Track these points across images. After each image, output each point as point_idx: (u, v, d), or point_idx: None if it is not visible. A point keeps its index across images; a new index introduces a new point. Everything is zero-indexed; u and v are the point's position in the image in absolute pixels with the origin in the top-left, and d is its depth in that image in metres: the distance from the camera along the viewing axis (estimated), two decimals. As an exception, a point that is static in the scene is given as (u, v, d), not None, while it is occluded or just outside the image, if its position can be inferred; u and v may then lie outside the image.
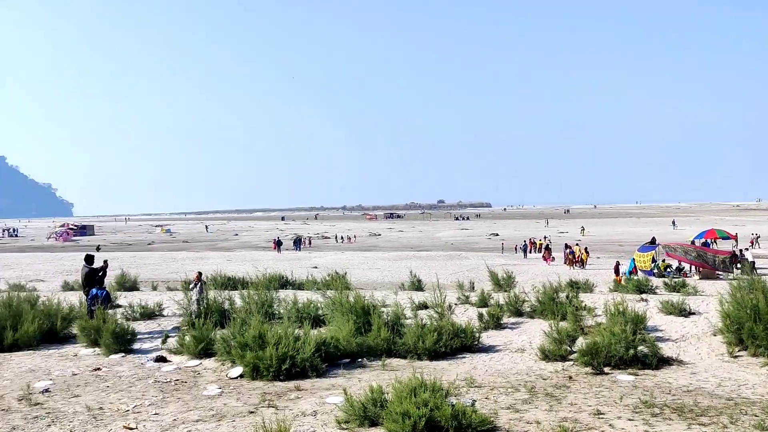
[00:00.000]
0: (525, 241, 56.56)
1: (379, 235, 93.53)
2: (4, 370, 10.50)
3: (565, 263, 40.13)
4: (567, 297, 14.05)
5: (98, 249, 67.61)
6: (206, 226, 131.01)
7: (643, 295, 16.43)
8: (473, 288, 20.73)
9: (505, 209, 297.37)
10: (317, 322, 13.21)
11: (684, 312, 13.39)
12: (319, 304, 13.72)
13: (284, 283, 21.41)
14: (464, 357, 11.25)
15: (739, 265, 32.59)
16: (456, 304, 15.96)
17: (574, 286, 18.48)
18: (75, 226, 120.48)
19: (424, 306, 14.92)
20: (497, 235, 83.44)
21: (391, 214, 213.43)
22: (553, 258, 43.14)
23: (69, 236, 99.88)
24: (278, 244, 62.10)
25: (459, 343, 11.49)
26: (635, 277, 23.39)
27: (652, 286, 18.88)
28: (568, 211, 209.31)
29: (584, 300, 14.92)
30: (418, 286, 21.46)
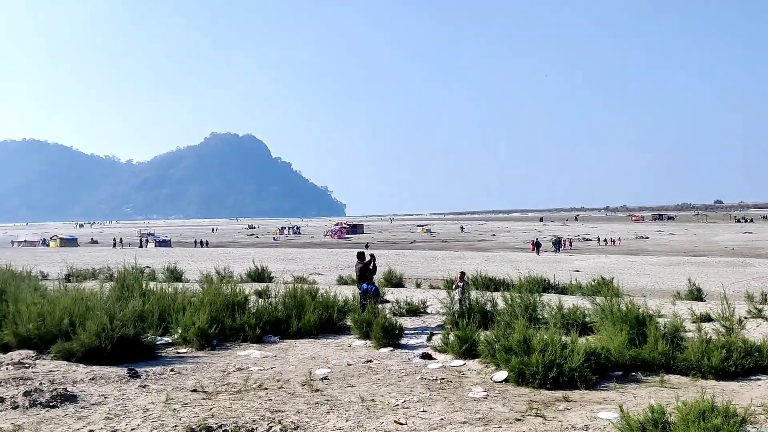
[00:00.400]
0: None
1: (647, 237, 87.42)
2: (290, 356, 11.49)
3: None
4: None
5: (366, 246, 72.67)
6: (462, 227, 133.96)
7: None
8: (766, 300, 18.15)
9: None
10: (584, 330, 12.47)
11: None
12: (585, 311, 12.95)
13: (546, 287, 20.78)
14: (759, 379, 9.75)
15: None
16: (746, 318, 14.04)
17: None
18: (347, 225, 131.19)
19: (706, 318, 13.36)
20: (790, 239, 73.25)
21: (660, 215, 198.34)
22: None
23: (342, 234, 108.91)
24: (537, 245, 61.05)
25: (752, 363, 9.99)
26: None
27: None
28: None
29: None
30: (697, 295, 19.40)
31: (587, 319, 12.66)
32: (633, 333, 10.88)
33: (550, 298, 14.89)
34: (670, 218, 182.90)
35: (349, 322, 13.98)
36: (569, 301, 14.83)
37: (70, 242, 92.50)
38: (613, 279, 20.48)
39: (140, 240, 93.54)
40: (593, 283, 19.56)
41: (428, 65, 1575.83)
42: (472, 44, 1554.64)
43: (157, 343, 12.36)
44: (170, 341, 12.66)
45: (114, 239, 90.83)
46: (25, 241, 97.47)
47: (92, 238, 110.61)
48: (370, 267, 15.46)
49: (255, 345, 12.46)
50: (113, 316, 10.69)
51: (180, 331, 12.58)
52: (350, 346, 12.56)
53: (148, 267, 33.47)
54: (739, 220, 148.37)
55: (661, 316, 13.34)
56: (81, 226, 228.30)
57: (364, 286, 15.19)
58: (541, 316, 13.34)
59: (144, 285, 15.31)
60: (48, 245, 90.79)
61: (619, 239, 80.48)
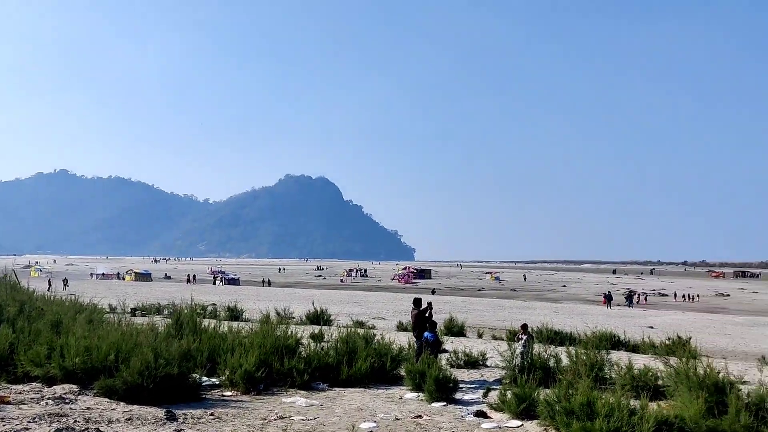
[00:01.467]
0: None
1: (728, 295, 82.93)
2: (336, 406, 10.92)
3: None
4: None
5: (433, 292, 71.66)
6: (524, 275, 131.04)
7: None
8: None
9: None
10: (656, 394, 11.41)
11: None
12: (658, 373, 11.89)
13: (615, 344, 19.53)
14: None
15: None
16: None
17: None
18: (415, 269, 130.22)
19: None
20: None
21: (743, 272, 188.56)
22: None
23: (409, 279, 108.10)
24: (608, 298, 58.64)
25: None
26: None
27: None
28: None
29: None
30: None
31: (660, 382, 11.60)
32: (711, 401, 9.82)
33: (620, 357, 13.86)
34: (753, 276, 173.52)
35: (403, 372, 13.33)
36: (640, 361, 13.72)
37: (144, 276, 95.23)
38: (690, 338, 19.05)
39: (213, 277, 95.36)
40: (668, 342, 18.22)
41: (503, 116, 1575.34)
42: (540, 91, 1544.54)
43: (204, 384, 12.05)
44: (217, 382, 12.32)
45: (188, 275, 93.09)
46: (102, 274, 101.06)
47: (166, 274, 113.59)
48: (426, 315, 14.78)
49: (302, 392, 11.97)
50: (158, 354, 10.44)
51: (227, 373, 12.24)
52: (401, 398, 11.90)
53: (213, 304, 33.76)
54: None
55: (745, 383, 12.15)
56: (156, 261, 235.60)
57: (426, 334, 14.53)
58: (608, 376, 12.35)
59: (198, 322, 15.14)
60: (123, 279, 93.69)
61: (698, 296, 76.64)
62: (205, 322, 16.05)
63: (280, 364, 12.45)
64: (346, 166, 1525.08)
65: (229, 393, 11.71)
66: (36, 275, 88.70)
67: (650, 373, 11.84)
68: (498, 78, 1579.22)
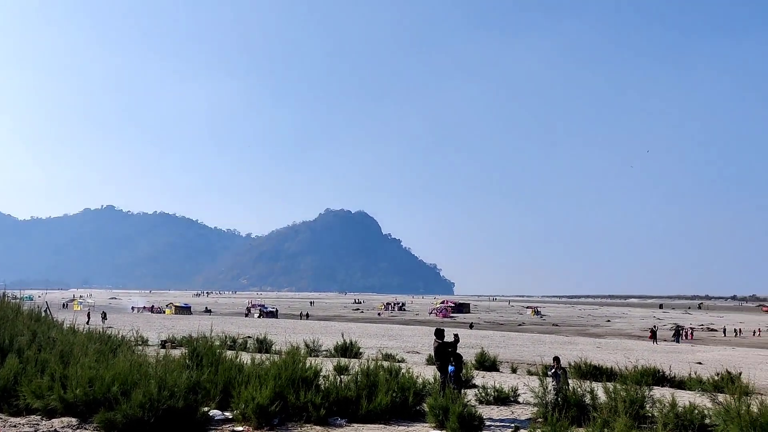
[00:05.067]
0: None
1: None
2: (351, 444, 10.17)
3: None
4: None
5: (471, 326, 70.26)
6: (537, 310, 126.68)
7: None
8: None
9: None
10: (703, 433, 10.37)
11: None
12: (705, 411, 10.82)
13: (660, 379, 18.28)
14: None
15: None
16: None
17: None
18: (453, 303, 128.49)
19: None
20: None
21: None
22: None
23: (447, 313, 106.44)
24: (654, 333, 56.45)
25: None
26: None
27: None
28: None
29: None
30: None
31: (707, 420, 10.54)
32: (766, 443, 8.80)
33: (663, 393, 12.78)
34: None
35: (426, 408, 12.49)
36: (686, 398, 12.66)
37: (183, 310, 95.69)
38: (740, 374, 17.73)
39: (247, 309, 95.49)
40: (716, 378, 16.95)
41: (541, 150, 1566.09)
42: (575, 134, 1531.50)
43: (216, 418, 11.44)
44: (230, 416, 11.69)
45: (247, 308, 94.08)
46: (143, 307, 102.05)
47: (206, 308, 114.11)
48: (449, 348, 13.92)
49: (318, 428, 11.25)
50: (163, 385, 9.87)
51: (241, 406, 11.60)
52: (425, 436, 11.09)
53: (248, 337, 33.32)
54: None
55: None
56: (198, 295, 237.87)
57: (451, 368, 13.70)
58: (649, 414, 11.31)
59: (219, 353, 14.58)
60: (163, 312, 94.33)
61: (759, 330, 73.58)
62: (228, 353, 15.47)
63: (295, 397, 11.75)
64: (385, 200, 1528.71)
65: (240, 429, 11.06)
66: (78, 308, 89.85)
67: (696, 411, 10.78)
68: (538, 113, 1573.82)
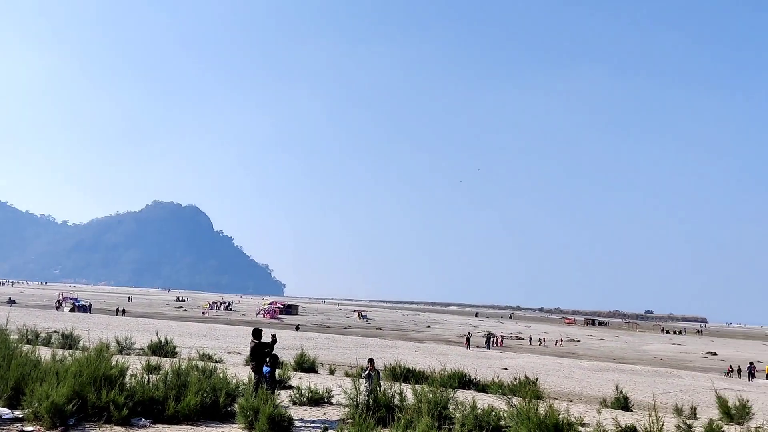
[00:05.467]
0: (751, 363, 49.01)
1: (578, 341, 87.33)
2: (154, 444, 9.73)
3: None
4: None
5: (297, 328, 70.18)
6: (362, 314, 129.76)
7: None
8: (695, 414, 17.16)
9: (729, 324, 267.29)
10: (497, 434, 11.10)
11: None
12: (502, 413, 11.61)
13: (466, 382, 19.38)
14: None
15: None
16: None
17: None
18: (282, 304, 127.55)
19: (632, 430, 12.17)
20: (715, 354, 74.08)
21: (593, 320, 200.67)
22: None
23: (275, 314, 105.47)
24: (468, 340, 59.80)
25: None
26: None
27: None
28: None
29: None
30: (624, 404, 18.27)
31: (502, 422, 11.31)
32: (550, 442, 9.61)
33: (467, 396, 13.54)
34: (602, 324, 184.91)
35: (237, 409, 12.25)
36: (487, 400, 13.48)
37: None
38: (537, 379, 19.25)
39: (57, 303, 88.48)
40: (515, 383, 18.27)
41: (370, 154, 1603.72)
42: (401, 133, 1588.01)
43: (4, 417, 10.47)
44: (20, 415, 10.74)
45: (57, 301, 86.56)
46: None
47: (10, 298, 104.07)
48: (266, 350, 13.79)
49: (119, 428, 10.65)
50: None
51: (34, 405, 10.69)
52: (231, 436, 10.86)
53: (55, 331, 30.89)
54: (667, 332, 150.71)
55: (584, 425, 12.15)
56: (1, 284, 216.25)
57: (267, 369, 13.54)
58: (452, 415, 11.92)
59: (11, 347, 13.34)
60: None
61: (561, 340, 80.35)
62: (26, 347, 14.19)
63: (96, 396, 11.03)
64: (219, 197, 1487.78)
65: (30, 429, 10.19)
66: None
67: (494, 413, 11.53)
68: (377, 119, 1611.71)
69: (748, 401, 16.71)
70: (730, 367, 51.53)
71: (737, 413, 16.03)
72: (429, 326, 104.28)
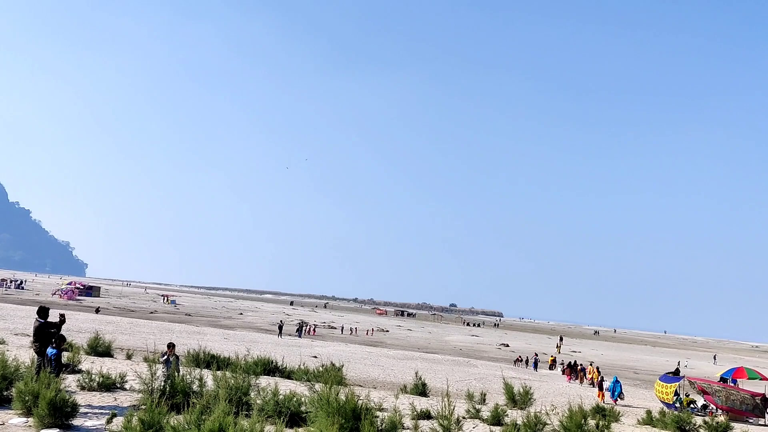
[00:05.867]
0: (536, 355, 53.78)
1: (387, 331, 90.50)
2: None
3: (567, 379, 38.96)
4: (597, 426, 11.78)
5: (97, 311, 65.71)
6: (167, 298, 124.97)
7: (685, 435, 14.06)
8: (484, 400, 18.37)
9: (521, 319, 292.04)
10: (298, 419, 11.05)
11: (741, 463, 11.05)
12: (303, 399, 11.57)
13: (272, 369, 19.16)
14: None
15: (769, 410, 29.94)
16: (464, 418, 13.69)
17: (601, 412, 16.08)
18: (82, 285, 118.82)
19: (426, 415, 12.71)
20: (507, 345, 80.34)
21: (402, 311, 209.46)
22: (577, 377, 41.26)
23: (74, 295, 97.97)
24: (280, 328, 59.60)
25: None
26: (668, 409, 20.85)
27: (694, 425, 16.39)
28: (597, 332, 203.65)
29: (616, 432, 12.61)
30: (422, 390, 19.11)
31: (303, 408, 11.27)
32: (348, 426, 9.70)
33: (270, 383, 13.34)
34: (410, 315, 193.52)
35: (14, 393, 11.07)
36: (291, 387, 13.39)
37: None
38: (343, 366, 19.55)
39: None
40: (321, 369, 18.40)
41: (192, 131, 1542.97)
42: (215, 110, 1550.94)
43: None
44: None
45: None
46: None
47: None
48: (52, 330, 12.64)
49: None
50: None
51: None
52: (3, 424, 9.77)
53: None
54: (468, 324, 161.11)
55: (382, 410, 12.47)
56: None
57: (49, 351, 12.36)
58: (253, 402, 11.67)
59: None
60: None
61: (373, 330, 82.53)
62: None
63: None
64: (19, 165, 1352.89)
65: None
66: None
67: (295, 399, 11.46)
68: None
69: (530, 388, 18.19)
70: (519, 357, 56.07)
71: (521, 399, 17.40)
72: (241, 313, 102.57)
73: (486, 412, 14.26)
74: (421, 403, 14.60)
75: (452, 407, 11.15)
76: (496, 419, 13.28)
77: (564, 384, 39.34)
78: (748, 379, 34.01)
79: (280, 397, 11.52)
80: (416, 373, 20.76)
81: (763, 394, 30.66)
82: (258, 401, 11.48)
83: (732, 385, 33.28)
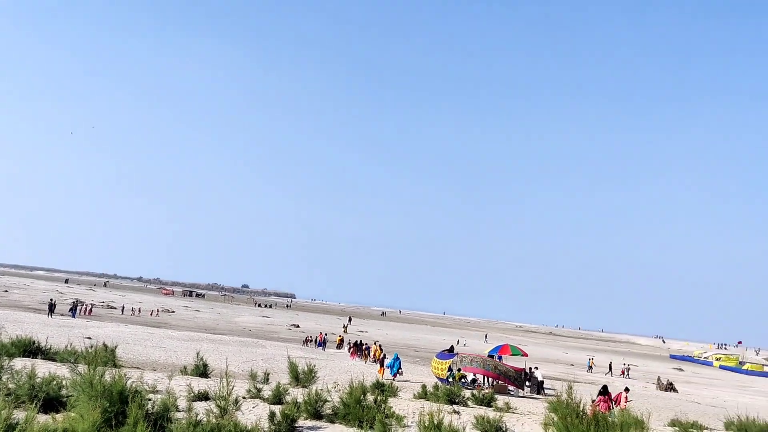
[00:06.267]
0: (325, 335, 54.91)
1: (173, 312, 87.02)
2: None
3: (352, 357, 40.78)
4: (375, 401, 12.09)
5: None
6: None
7: (455, 407, 14.99)
8: (268, 380, 18.17)
9: (313, 300, 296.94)
10: (56, 404, 10.01)
11: None
12: (65, 382, 10.51)
13: (33, 351, 17.30)
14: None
15: (528, 383, 33.34)
16: (245, 398, 13.38)
17: (380, 388, 16.66)
18: None
19: (204, 396, 12.21)
20: (298, 326, 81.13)
21: (191, 291, 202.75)
22: (362, 355, 42.83)
23: None
24: (51, 307, 54.57)
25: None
26: (442, 384, 22.24)
27: (463, 397, 17.59)
28: (384, 313, 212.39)
29: (393, 406, 13.08)
30: (202, 371, 18.40)
31: (63, 391, 10.23)
32: (113, 411, 8.94)
33: (28, 365, 11.98)
34: (200, 295, 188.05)
35: None
36: (54, 369, 12.14)
37: None
38: (116, 347, 18.24)
39: None
40: (90, 351, 16.97)
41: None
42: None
43: None
44: None
45: None
46: None
47: None
48: None
49: None
50: None
51: None
52: None
53: None
54: (259, 305, 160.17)
55: (157, 392, 11.77)
56: None
57: None
58: (3, 386, 10.37)
59: None
60: None
61: (158, 311, 78.30)
62: None
63: None
64: None
65: None
66: None
67: (54, 382, 10.38)
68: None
69: (315, 366, 18.36)
70: (308, 337, 56.82)
71: (304, 377, 17.47)
72: (6, 291, 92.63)
73: (268, 391, 14.07)
74: (200, 384, 14.04)
75: (232, 387, 10.80)
76: (277, 398, 13.14)
77: (349, 362, 40.55)
78: (512, 355, 37.62)
79: (38, 380, 10.36)
80: (197, 354, 19.94)
81: (523, 369, 34.04)
82: (11, 385, 10.22)
83: (498, 360, 36.56)
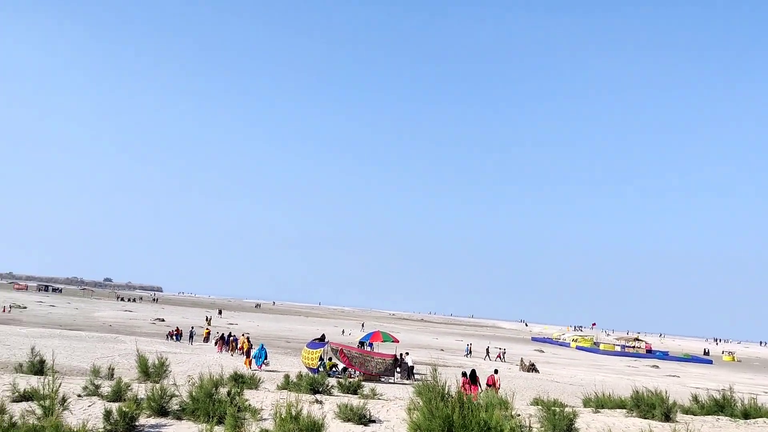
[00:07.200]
0: (192, 328, 52.60)
1: (26, 308, 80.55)
2: None
3: (219, 350, 40.76)
4: (229, 394, 11.07)
5: None
6: None
7: (318, 396, 14.21)
8: (112, 375, 16.54)
9: (181, 293, 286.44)
10: None
11: (364, 419, 11.35)
12: None
13: None
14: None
15: (399, 369, 33.34)
16: (80, 396, 11.91)
17: (239, 380, 15.59)
18: None
19: (29, 396, 10.68)
20: (163, 320, 77.56)
21: (47, 286, 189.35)
22: (229, 348, 41.34)
23: None
24: None
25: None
26: (310, 373, 21.49)
27: (328, 386, 16.85)
28: (258, 305, 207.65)
29: (250, 398, 12.11)
30: (39, 368, 16.43)
31: None
32: None
33: None
34: (57, 290, 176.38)
35: None
36: None
37: None
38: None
39: None
40: None
41: None
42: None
43: None
44: None
45: None
46: None
47: None
48: None
49: None
50: None
51: None
52: None
53: None
54: (122, 299, 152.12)
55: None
56: None
57: None
58: None
59: None
60: None
61: (10, 307, 72.06)
62: None
63: None
64: None
65: None
66: None
67: None
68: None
69: (167, 360, 16.99)
70: (170, 331, 54.07)
71: (155, 371, 16.08)
72: None
73: (108, 388, 12.64)
74: (32, 382, 12.40)
75: (59, 384, 9.42)
76: (118, 395, 11.76)
77: (215, 355, 38.94)
78: (383, 341, 37.55)
79: None
80: (32, 350, 17.81)
81: (394, 355, 33.98)
82: None
83: (368, 350, 36.33)
